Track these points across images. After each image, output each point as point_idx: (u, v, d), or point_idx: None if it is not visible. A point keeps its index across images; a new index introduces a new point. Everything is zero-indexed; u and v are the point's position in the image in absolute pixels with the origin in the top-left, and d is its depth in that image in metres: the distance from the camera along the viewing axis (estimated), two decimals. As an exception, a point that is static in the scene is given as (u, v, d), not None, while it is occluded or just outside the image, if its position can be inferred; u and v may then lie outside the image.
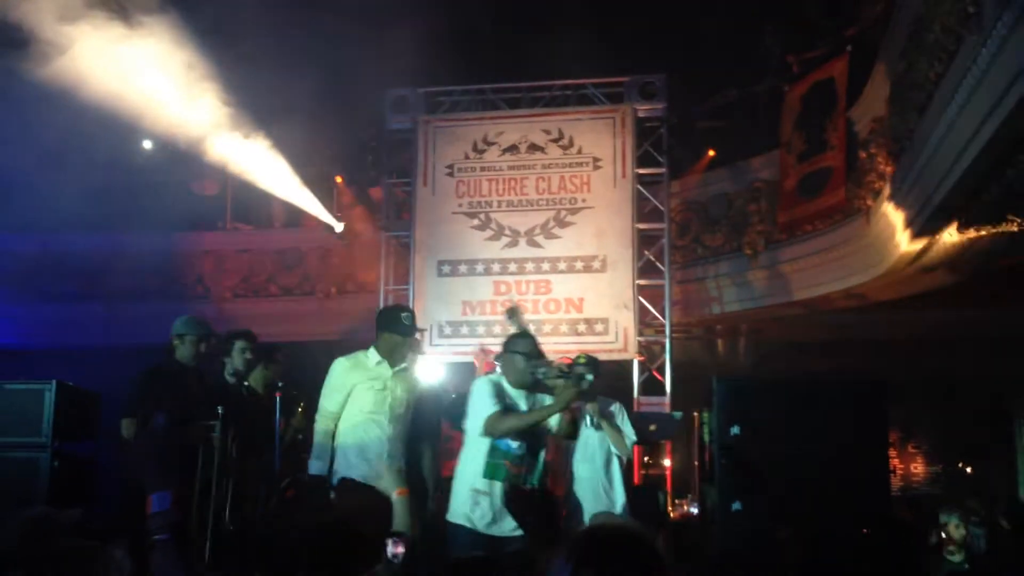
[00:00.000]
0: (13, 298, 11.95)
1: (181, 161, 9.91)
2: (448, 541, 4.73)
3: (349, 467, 5.00)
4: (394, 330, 5.13)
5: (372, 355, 5.15)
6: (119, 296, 11.82)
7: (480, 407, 4.71)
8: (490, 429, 4.65)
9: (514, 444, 4.68)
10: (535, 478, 4.72)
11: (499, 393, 4.74)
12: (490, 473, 4.66)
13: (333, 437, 5.06)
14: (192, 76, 8.36)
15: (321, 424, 5.07)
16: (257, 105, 9.49)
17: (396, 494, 4.67)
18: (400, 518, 4.71)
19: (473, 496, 4.64)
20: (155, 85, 8.15)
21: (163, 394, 5.30)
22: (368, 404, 5.07)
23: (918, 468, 13.81)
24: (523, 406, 4.75)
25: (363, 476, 4.99)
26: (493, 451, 4.68)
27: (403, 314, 5.26)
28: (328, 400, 5.10)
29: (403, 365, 5.20)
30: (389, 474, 4.86)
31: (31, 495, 5.84)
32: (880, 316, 10.19)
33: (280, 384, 5.98)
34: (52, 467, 6.07)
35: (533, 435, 4.74)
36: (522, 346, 4.80)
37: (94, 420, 6.73)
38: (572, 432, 4.88)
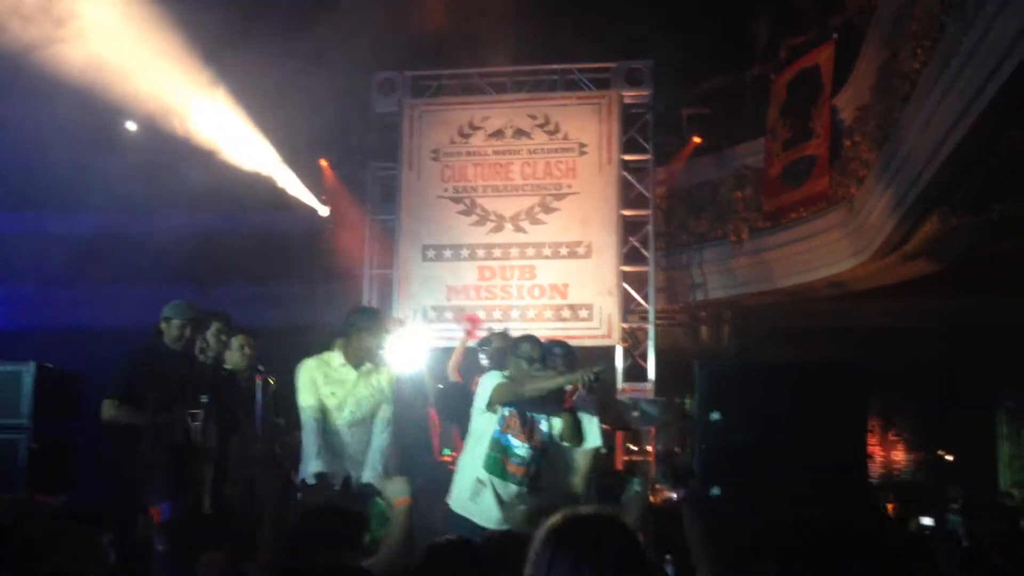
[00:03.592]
0: (-5, 280, 11.88)
1: (166, 142, 9.84)
2: (450, 530, 4.74)
3: (303, 467, 4.99)
4: (370, 331, 5.09)
5: (336, 357, 5.13)
6: (103, 278, 11.76)
7: (489, 387, 4.73)
8: (498, 395, 4.67)
9: (516, 443, 4.69)
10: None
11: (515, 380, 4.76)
12: (489, 466, 4.68)
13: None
14: (176, 57, 8.32)
15: (307, 421, 5.03)
16: (243, 87, 9.45)
17: (397, 503, 4.56)
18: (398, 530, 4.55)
19: (475, 486, 4.66)
20: (139, 65, 8.10)
21: (147, 378, 5.27)
22: (327, 406, 5.06)
23: (899, 456, 13.89)
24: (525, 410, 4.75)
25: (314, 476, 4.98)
26: (495, 444, 4.71)
27: (375, 314, 5.25)
28: (305, 396, 5.08)
29: (369, 366, 5.16)
30: (390, 483, 4.71)
31: (9, 477, 5.81)
32: (863, 304, 10.24)
33: (260, 368, 5.94)
34: (30, 449, 6.03)
35: (539, 443, 4.74)
36: (526, 350, 4.81)
37: (76, 402, 6.68)
38: (575, 438, 4.84)
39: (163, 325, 5.52)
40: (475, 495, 4.66)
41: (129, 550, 4.62)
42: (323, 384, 5.07)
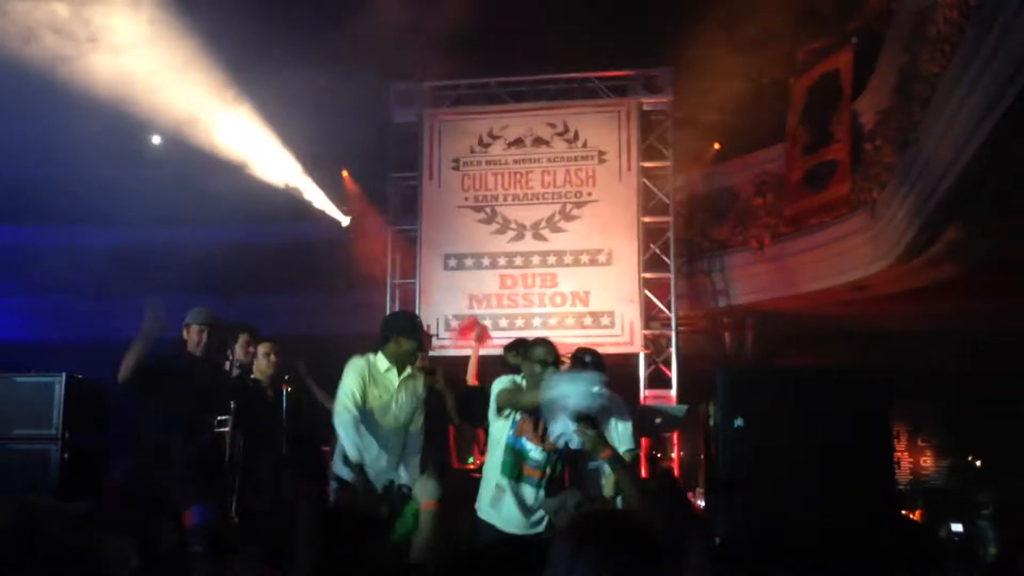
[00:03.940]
0: (24, 291, 12.04)
1: (192, 155, 9.97)
2: (478, 536, 4.77)
3: (342, 468, 5.00)
4: (406, 334, 5.11)
5: (382, 361, 5.12)
6: (130, 290, 11.89)
7: (494, 393, 4.78)
8: (500, 400, 4.70)
9: (530, 446, 4.71)
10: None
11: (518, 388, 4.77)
12: (506, 470, 4.71)
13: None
14: (201, 71, 8.43)
15: (343, 411, 4.94)
16: (266, 99, 9.55)
17: (424, 506, 4.62)
18: (424, 532, 4.61)
19: (496, 492, 4.69)
20: (164, 80, 8.21)
21: (171, 379, 5.37)
22: (373, 410, 5.08)
23: (927, 462, 13.77)
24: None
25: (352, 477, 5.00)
26: (509, 449, 4.73)
27: (416, 319, 5.27)
28: (348, 385, 5.01)
29: (409, 371, 5.19)
30: (422, 483, 4.82)
31: (41, 487, 5.91)
32: (887, 309, 10.18)
33: (286, 377, 6.01)
34: (62, 459, 6.13)
35: (553, 446, 4.75)
36: (538, 354, 4.80)
37: (105, 413, 6.79)
38: (599, 447, 4.82)
39: (184, 332, 5.64)
40: (496, 500, 4.68)
41: (153, 556, 4.69)
42: (371, 385, 5.08)
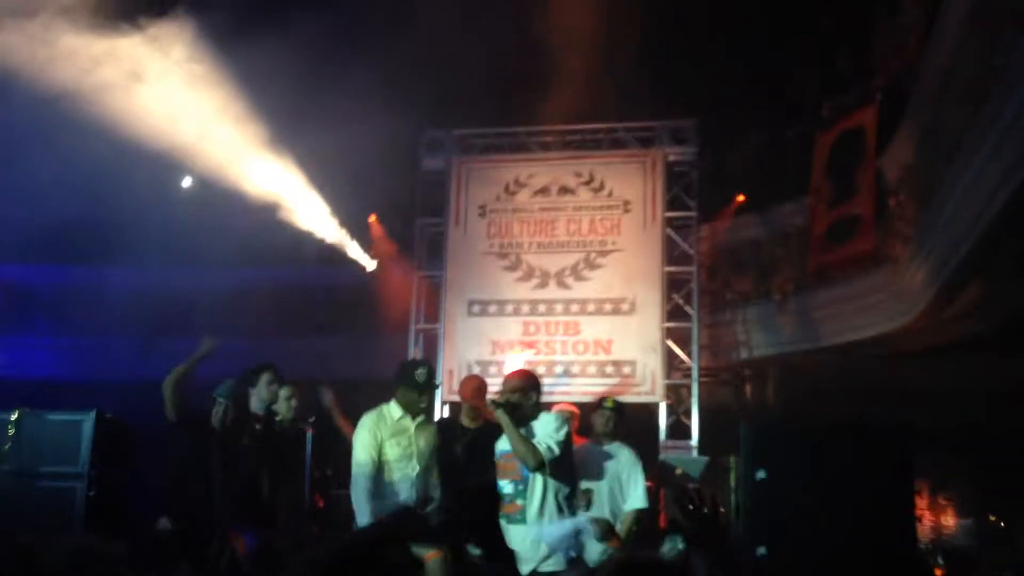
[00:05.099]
0: (54, 330, 12.19)
1: (219, 198, 10.12)
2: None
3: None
4: (409, 385, 5.20)
5: (394, 409, 5.22)
6: (156, 330, 12.01)
7: None
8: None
9: (503, 483, 4.82)
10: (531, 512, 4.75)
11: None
12: (501, 515, 4.83)
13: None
14: (231, 114, 8.59)
15: (358, 478, 5.04)
16: (295, 143, 9.71)
17: (428, 558, 4.68)
18: None
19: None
20: (195, 124, 8.38)
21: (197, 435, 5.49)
22: (394, 455, 5.14)
23: (949, 520, 13.58)
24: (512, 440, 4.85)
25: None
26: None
27: (417, 371, 5.32)
28: (359, 453, 5.12)
29: (421, 418, 5.27)
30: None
31: (67, 523, 5.97)
32: (911, 364, 10.13)
33: (311, 419, 6.07)
34: (88, 496, 6.20)
35: (519, 475, 4.82)
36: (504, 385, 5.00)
37: (131, 451, 6.86)
38: (527, 455, 4.81)
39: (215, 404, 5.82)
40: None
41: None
42: (387, 437, 5.13)
